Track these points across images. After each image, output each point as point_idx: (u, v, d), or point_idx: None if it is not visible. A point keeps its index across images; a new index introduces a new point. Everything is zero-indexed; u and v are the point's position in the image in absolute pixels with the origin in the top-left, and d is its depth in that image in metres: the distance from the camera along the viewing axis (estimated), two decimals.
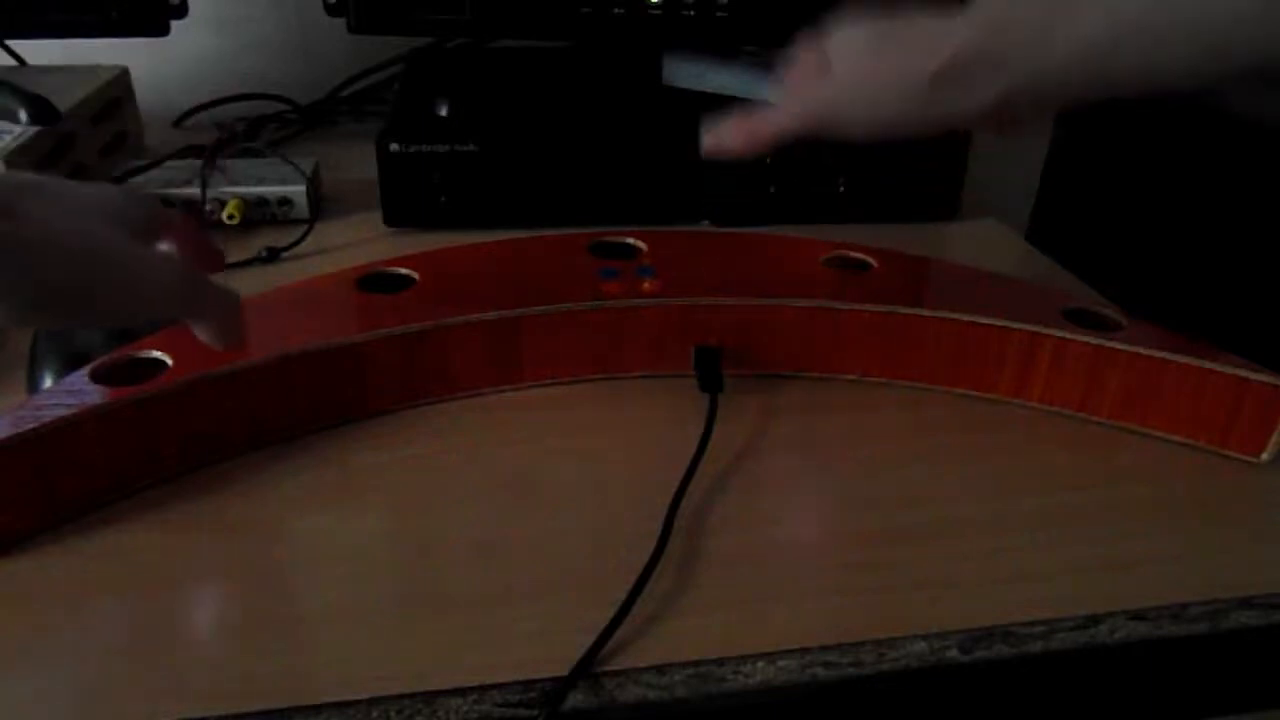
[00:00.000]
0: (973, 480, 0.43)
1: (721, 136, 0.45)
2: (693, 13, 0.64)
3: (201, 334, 0.36)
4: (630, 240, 0.54)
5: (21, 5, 0.63)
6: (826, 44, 0.43)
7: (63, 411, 0.37)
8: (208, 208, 0.62)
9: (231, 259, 0.59)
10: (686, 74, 0.74)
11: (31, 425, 0.36)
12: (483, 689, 0.31)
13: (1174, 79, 0.34)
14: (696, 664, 0.33)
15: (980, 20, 0.37)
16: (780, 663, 0.33)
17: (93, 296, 0.32)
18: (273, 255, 0.60)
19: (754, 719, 0.33)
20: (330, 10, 0.63)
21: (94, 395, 0.38)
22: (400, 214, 0.64)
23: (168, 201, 0.62)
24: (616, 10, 0.64)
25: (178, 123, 0.83)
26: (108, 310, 0.34)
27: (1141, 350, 0.44)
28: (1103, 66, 0.35)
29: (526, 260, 0.51)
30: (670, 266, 0.50)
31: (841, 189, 0.67)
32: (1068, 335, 0.45)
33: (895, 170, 0.68)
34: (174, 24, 0.66)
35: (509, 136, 0.63)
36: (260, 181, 0.64)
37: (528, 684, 0.32)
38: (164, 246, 0.38)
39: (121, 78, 0.74)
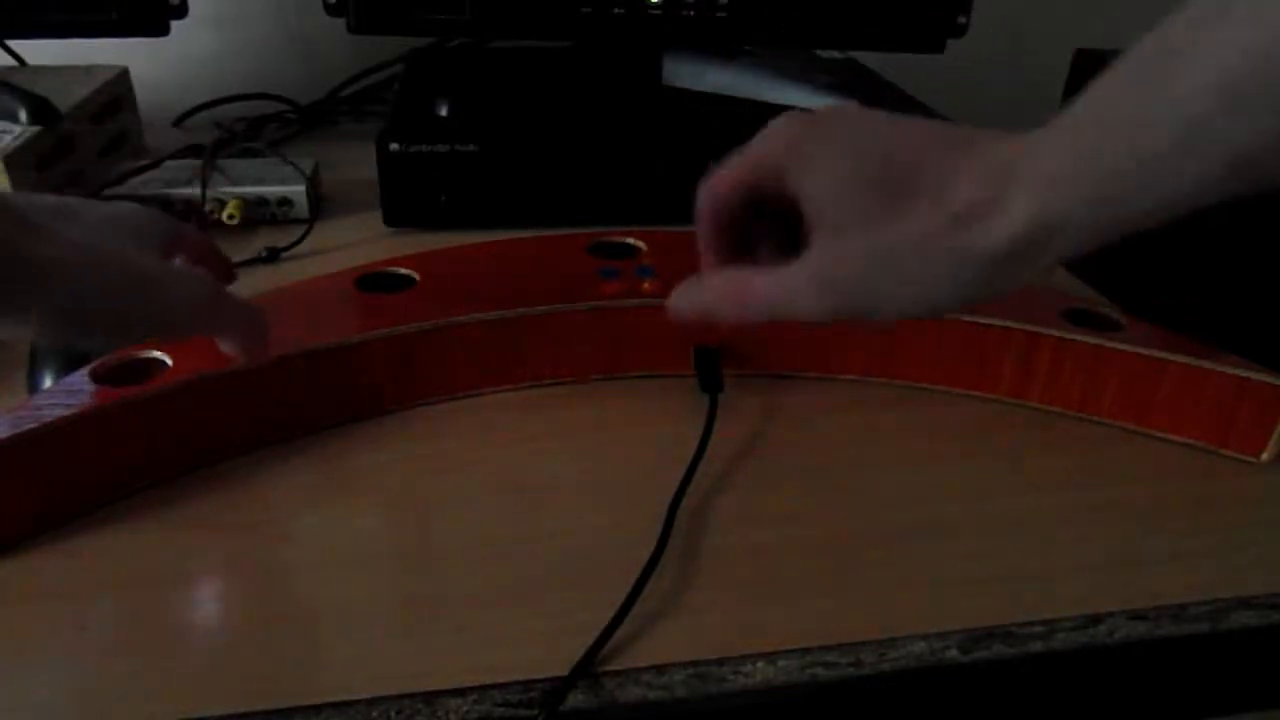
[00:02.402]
0: (972, 480, 0.43)
1: (704, 298, 0.36)
2: (693, 13, 0.64)
3: (228, 347, 0.37)
4: (630, 240, 0.54)
5: (21, 5, 0.63)
6: (792, 164, 0.33)
7: (63, 411, 0.37)
8: (208, 208, 0.62)
9: (232, 259, 0.59)
10: (686, 74, 0.74)
11: (31, 425, 0.36)
12: (483, 689, 0.31)
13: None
14: (696, 664, 0.33)
15: (1051, 166, 0.29)
16: (780, 663, 0.33)
17: (127, 315, 0.33)
18: (273, 255, 0.60)
19: (754, 719, 0.33)
20: (330, 10, 0.63)
21: (94, 395, 0.38)
22: (400, 214, 0.64)
23: (168, 201, 0.62)
24: (616, 10, 0.64)
25: (178, 123, 0.83)
26: (141, 328, 0.34)
27: (1141, 350, 0.44)
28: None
29: (526, 260, 0.51)
30: (670, 266, 0.50)
31: None
32: (1068, 335, 0.45)
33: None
34: (174, 24, 0.66)
35: (509, 136, 0.63)
36: (260, 181, 0.64)
37: (528, 684, 0.32)
38: (177, 261, 0.38)
39: (121, 78, 0.74)
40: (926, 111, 0.71)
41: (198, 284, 0.35)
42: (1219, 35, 0.25)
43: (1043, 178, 0.28)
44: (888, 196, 0.31)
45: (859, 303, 0.32)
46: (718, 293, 0.36)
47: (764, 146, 0.35)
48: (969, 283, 0.30)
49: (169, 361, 0.41)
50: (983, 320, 0.46)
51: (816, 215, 0.33)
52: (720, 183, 0.36)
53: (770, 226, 0.36)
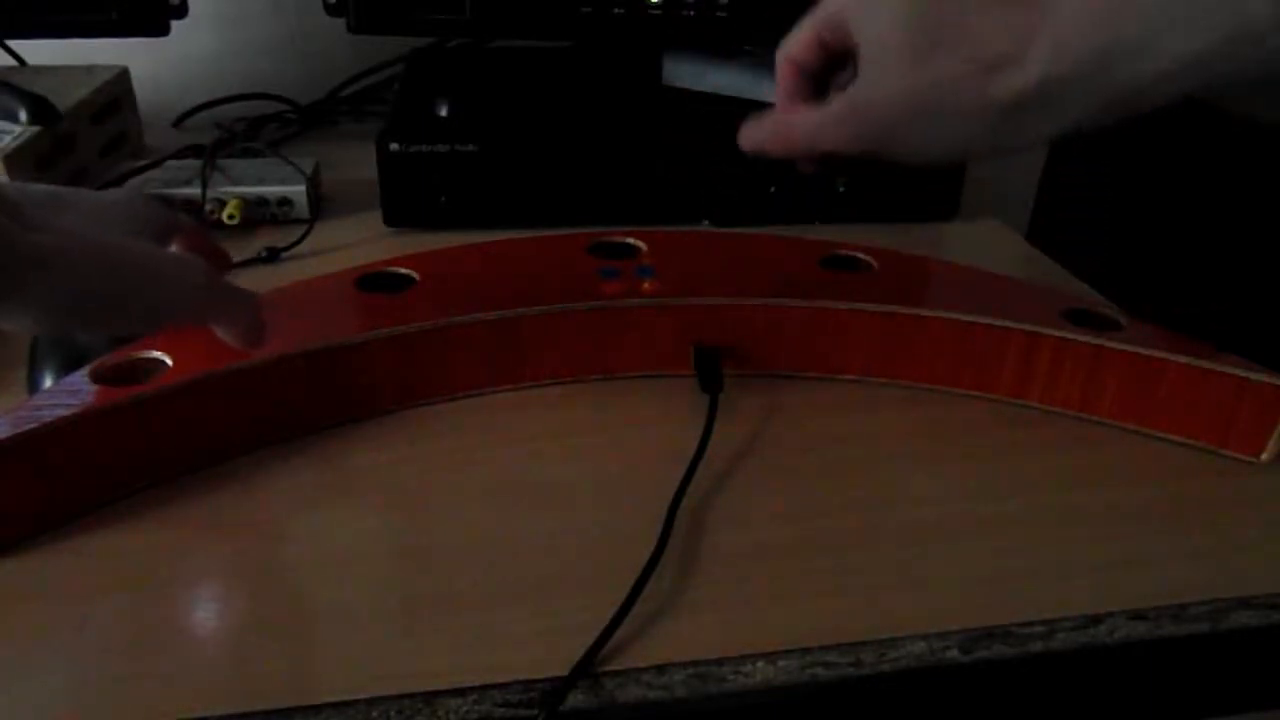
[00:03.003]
0: (972, 480, 0.43)
1: (758, 136, 0.41)
2: (693, 13, 0.64)
3: (226, 335, 0.37)
4: (630, 240, 0.54)
5: (21, 5, 0.63)
6: (846, 27, 0.37)
7: (63, 411, 0.37)
8: (208, 208, 0.62)
9: (232, 259, 0.59)
10: (686, 74, 0.74)
11: (31, 425, 0.36)
12: (483, 689, 0.31)
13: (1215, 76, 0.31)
14: (696, 664, 0.33)
15: (1054, 41, 0.32)
16: (780, 663, 0.33)
17: (125, 302, 0.33)
18: (273, 255, 0.60)
19: (754, 719, 0.33)
20: (330, 10, 0.63)
21: (94, 395, 0.38)
22: (400, 214, 0.64)
23: (168, 201, 0.62)
24: (616, 10, 0.64)
25: (178, 123, 0.83)
26: (140, 315, 0.34)
27: (1141, 350, 0.44)
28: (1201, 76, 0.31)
29: (526, 260, 0.51)
30: (670, 266, 0.50)
31: (841, 189, 0.67)
32: (1068, 335, 0.45)
33: (895, 170, 0.68)
34: (174, 24, 0.66)
35: (509, 136, 0.63)
36: (260, 181, 0.64)
37: (528, 684, 0.32)
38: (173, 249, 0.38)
39: (121, 78, 0.74)
40: None
41: (194, 270, 0.35)
42: None
43: (1055, 42, 0.32)
44: (930, 44, 0.34)
45: (881, 134, 0.36)
46: (768, 129, 0.40)
47: (830, 2, 0.38)
48: (979, 131, 0.34)
49: (169, 361, 0.41)
50: (983, 320, 0.46)
51: (866, 58, 0.36)
52: (793, 43, 0.39)
53: (844, 79, 0.39)
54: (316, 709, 0.31)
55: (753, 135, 0.41)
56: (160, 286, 0.33)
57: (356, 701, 0.31)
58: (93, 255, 0.32)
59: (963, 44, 0.34)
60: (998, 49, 0.33)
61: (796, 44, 0.39)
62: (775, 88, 0.40)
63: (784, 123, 0.40)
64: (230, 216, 0.62)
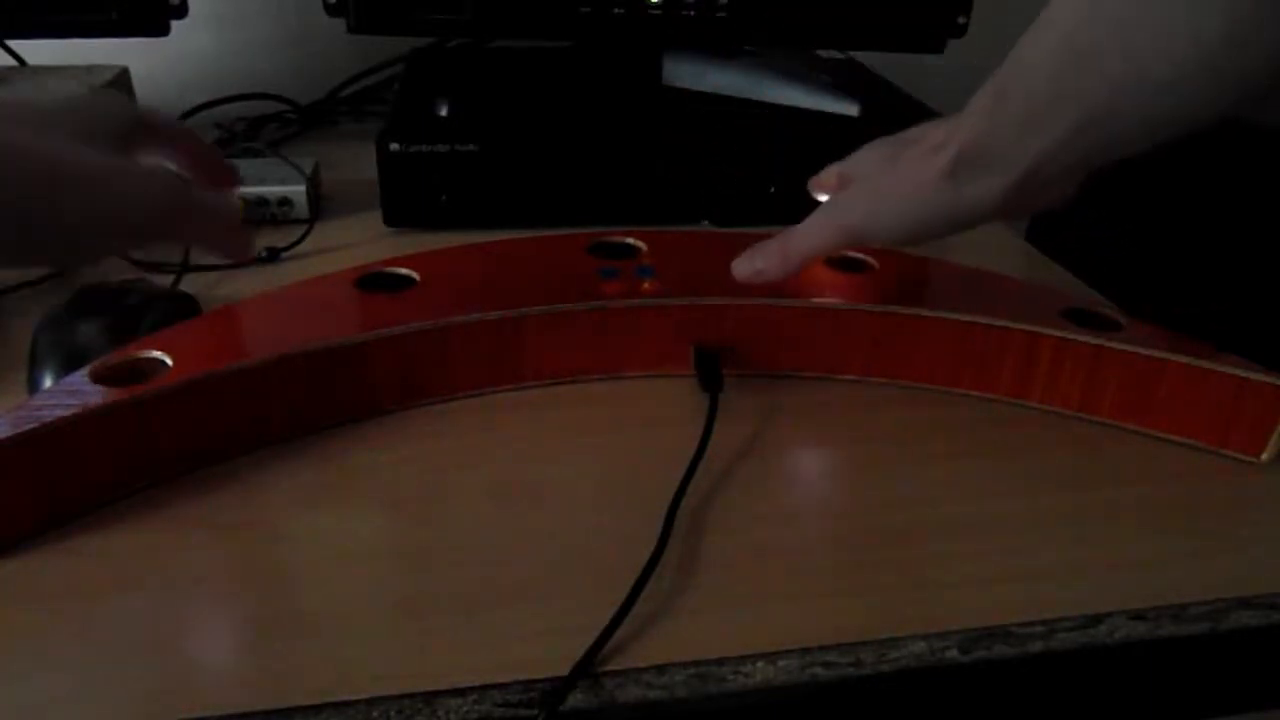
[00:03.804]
0: (972, 480, 0.43)
1: (755, 264, 0.45)
2: (693, 13, 0.64)
3: (203, 250, 0.34)
4: (630, 240, 0.54)
5: (21, 5, 0.63)
6: (847, 164, 0.46)
7: (63, 411, 0.37)
8: None
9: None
10: (686, 74, 0.74)
11: (31, 425, 0.36)
12: (483, 689, 0.31)
13: (1182, 124, 0.35)
14: (696, 664, 0.33)
15: (977, 113, 0.39)
16: (780, 663, 0.33)
17: (68, 219, 0.29)
18: (273, 255, 0.60)
19: (754, 719, 0.33)
20: (330, 10, 0.63)
21: (94, 395, 0.38)
22: (400, 214, 0.64)
23: None
24: (616, 10, 0.64)
25: None
26: (91, 233, 0.31)
27: (1141, 350, 0.44)
28: (1103, 133, 0.36)
29: (526, 260, 0.51)
30: (670, 266, 0.50)
31: None
32: (1068, 335, 0.45)
33: None
34: (174, 24, 0.66)
35: (509, 136, 0.63)
36: (260, 181, 0.64)
37: (528, 684, 0.32)
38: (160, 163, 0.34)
39: (121, 78, 0.74)
40: (927, 111, 0.71)
41: (152, 180, 0.32)
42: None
43: (971, 115, 0.39)
44: (893, 155, 0.43)
45: (854, 223, 0.43)
46: (766, 251, 0.45)
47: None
48: (932, 200, 0.40)
49: (169, 361, 0.41)
50: (982, 320, 0.46)
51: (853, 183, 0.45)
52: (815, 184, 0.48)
53: None
54: (316, 709, 0.31)
55: (749, 265, 0.46)
56: (107, 200, 0.30)
57: (356, 701, 0.31)
58: (15, 164, 0.28)
59: (918, 144, 0.41)
60: (935, 138, 0.40)
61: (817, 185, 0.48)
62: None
63: (780, 243, 0.45)
64: None
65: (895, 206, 0.41)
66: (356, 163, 0.70)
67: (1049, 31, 0.36)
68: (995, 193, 0.39)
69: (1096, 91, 0.35)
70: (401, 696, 0.31)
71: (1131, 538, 0.40)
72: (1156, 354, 0.44)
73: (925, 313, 0.47)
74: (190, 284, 0.55)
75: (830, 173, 0.47)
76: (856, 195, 0.43)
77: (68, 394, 0.38)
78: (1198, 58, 0.32)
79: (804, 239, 0.44)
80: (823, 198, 0.47)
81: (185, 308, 0.50)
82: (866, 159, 0.45)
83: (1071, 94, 0.35)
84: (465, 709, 0.31)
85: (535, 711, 0.31)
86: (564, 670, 0.32)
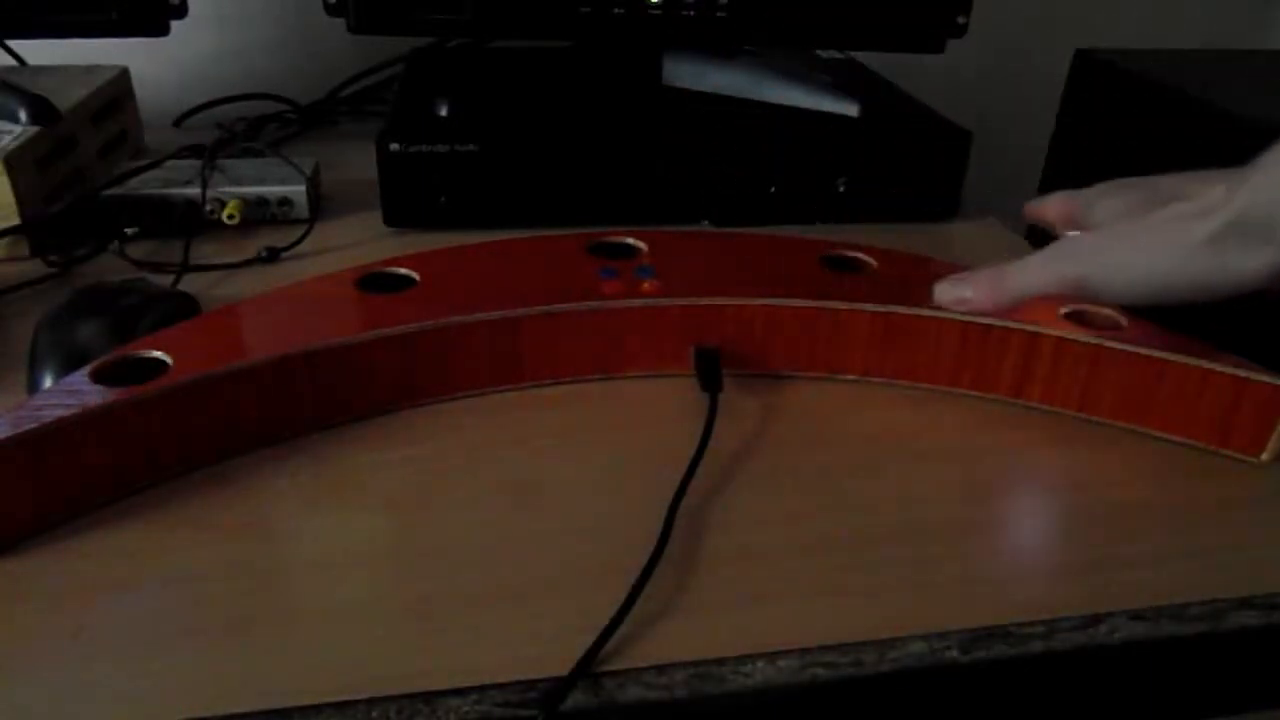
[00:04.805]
0: (972, 480, 0.43)
1: (963, 291, 0.44)
2: (693, 13, 0.64)
3: None
4: (630, 240, 0.54)
5: (21, 5, 0.63)
6: (1081, 199, 0.43)
7: (63, 411, 0.37)
8: (208, 208, 0.62)
9: (231, 259, 0.59)
10: (686, 74, 0.74)
11: (31, 425, 0.36)
12: (483, 689, 0.31)
13: None
14: (696, 664, 0.33)
15: (1266, 175, 0.36)
16: (780, 663, 0.33)
17: None
18: (273, 255, 0.60)
19: (754, 719, 0.33)
20: (330, 10, 0.63)
21: (94, 395, 0.38)
22: (400, 214, 0.64)
23: (168, 201, 0.62)
24: (616, 10, 0.64)
25: (178, 123, 0.84)
26: None
27: (1141, 350, 0.44)
28: None
29: (526, 260, 0.51)
30: (670, 266, 0.50)
31: (841, 189, 0.67)
32: (1067, 335, 0.45)
33: (895, 170, 0.68)
34: (174, 24, 0.66)
35: (509, 136, 0.63)
36: (260, 181, 0.64)
37: (528, 684, 0.32)
38: None
39: (121, 78, 0.74)
40: (927, 111, 0.72)
41: None
42: None
43: (1259, 175, 0.36)
44: (1147, 205, 0.40)
45: (1085, 274, 0.39)
46: (977, 281, 0.43)
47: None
48: (1180, 263, 0.37)
49: (169, 361, 0.41)
50: (982, 320, 0.46)
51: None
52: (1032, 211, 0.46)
53: None
54: (317, 709, 0.31)
55: (954, 292, 0.44)
56: None
57: (356, 701, 0.31)
58: None
59: (1177, 201, 0.38)
60: (1209, 200, 0.37)
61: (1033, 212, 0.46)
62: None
63: (994, 276, 0.43)
64: (230, 216, 0.62)
65: (1141, 269, 0.38)
66: (356, 163, 0.70)
67: None
68: (1270, 267, 0.36)
69: None
70: (401, 696, 0.31)
71: (1131, 538, 0.40)
72: (1156, 354, 0.44)
73: (925, 313, 0.47)
74: (190, 284, 0.55)
75: (1056, 200, 0.44)
76: (1095, 246, 0.39)
77: (68, 394, 0.38)
78: None
79: (1022, 278, 0.41)
80: (1039, 219, 0.44)
81: (185, 308, 0.50)
82: (1110, 205, 0.42)
83: None
84: (465, 709, 0.31)
85: (535, 711, 0.31)
86: (564, 670, 0.32)
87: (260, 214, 0.64)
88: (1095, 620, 0.35)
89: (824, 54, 0.87)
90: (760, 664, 0.33)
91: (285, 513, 0.39)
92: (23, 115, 0.60)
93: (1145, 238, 0.38)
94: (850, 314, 0.47)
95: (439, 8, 0.63)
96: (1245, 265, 0.36)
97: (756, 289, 0.48)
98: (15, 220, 0.57)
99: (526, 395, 0.47)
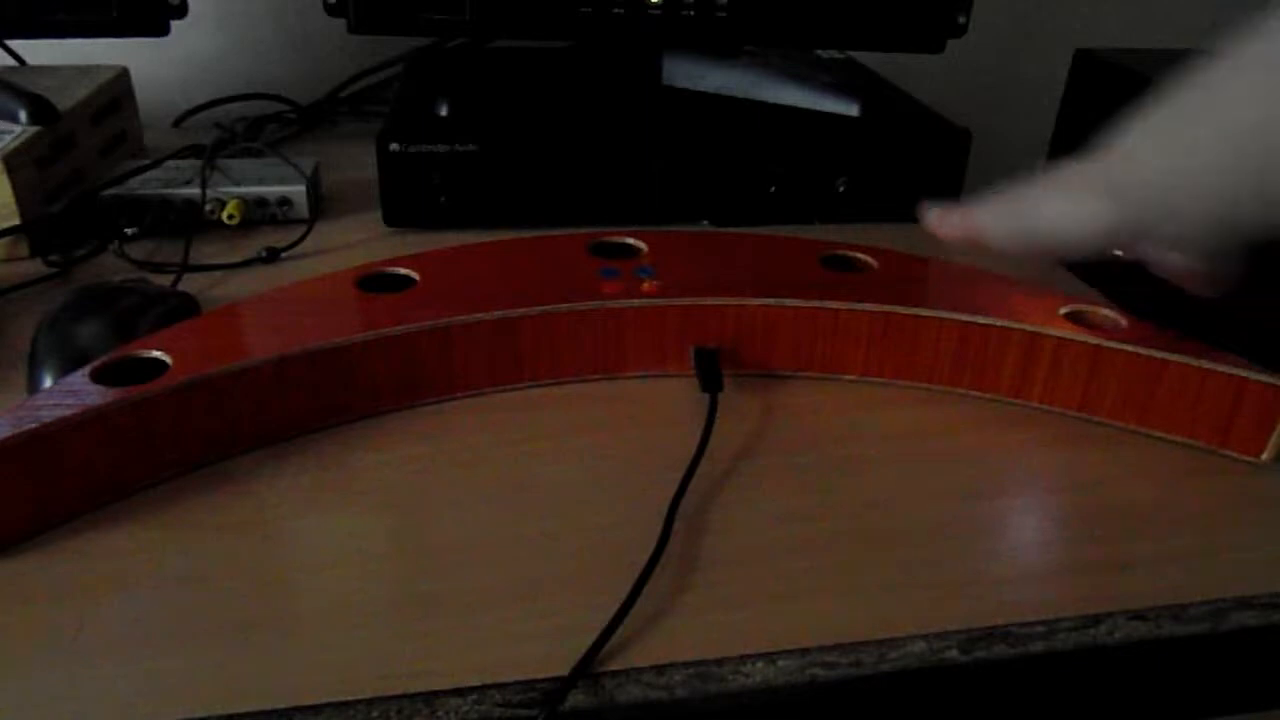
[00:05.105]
0: (972, 480, 0.43)
1: (940, 220, 0.44)
2: (693, 13, 0.64)
3: None
4: (630, 240, 0.54)
5: (21, 5, 0.63)
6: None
7: (63, 411, 0.37)
8: (208, 208, 0.62)
9: (231, 259, 0.59)
10: (686, 74, 0.74)
11: (31, 425, 0.36)
12: (483, 689, 0.31)
13: None
14: (696, 664, 0.33)
15: (1112, 145, 0.38)
16: (780, 663, 0.33)
17: None
18: (273, 255, 0.60)
19: (754, 719, 0.33)
20: (330, 10, 0.63)
21: (94, 395, 0.38)
22: (400, 214, 0.64)
23: (168, 201, 0.62)
24: (616, 10, 0.64)
25: (178, 123, 0.84)
26: None
27: (1141, 350, 0.44)
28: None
29: (526, 260, 0.51)
30: (670, 266, 0.50)
31: (841, 189, 0.67)
32: (1068, 335, 0.45)
33: (895, 170, 0.68)
34: (174, 24, 0.66)
35: (509, 136, 0.63)
36: (260, 181, 0.64)
37: (528, 684, 0.32)
38: None
39: (121, 78, 0.74)
40: (927, 111, 0.72)
41: None
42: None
43: (1113, 143, 0.38)
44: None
45: (1147, 212, 0.37)
46: (995, 207, 0.42)
47: None
48: (1067, 206, 0.38)
49: (169, 361, 0.41)
50: (982, 320, 0.46)
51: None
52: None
53: None
54: (316, 709, 0.31)
55: (959, 219, 0.43)
56: None
57: (356, 702, 0.31)
58: None
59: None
60: (1073, 167, 0.39)
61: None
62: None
63: (1019, 199, 0.41)
64: (230, 216, 0.62)
65: (1050, 197, 0.40)
66: (356, 163, 0.70)
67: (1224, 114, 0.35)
68: (1113, 219, 0.37)
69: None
70: (401, 696, 0.31)
71: (1131, 538, 0.40)
72: (1156, 354, 0.44)
73: (925, 313, 0.47)
74: (190, 284, 0.55)
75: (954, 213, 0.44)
76: (1148, 166, 0.39)
77: (68, 394, 0.38)
78: None
79: (1067, 212, 0.41)
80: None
81: (185, 308, 0.50)
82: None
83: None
84: (465, 709, 0.31)
85: (535, 711, 0.31)
86: (564, 670, 0.32)
87: (260, 214, 0.64)
88: (1095, 620, 0.35)
89: (824, 54, 0.87)
90: (760, 664, 0.33)
91: (285, 513, 0.39)
92: (22, 115, 0.60)
93: (1050, 185, 0.40)
94: (850, 314, 0.47)
95: (439, 8, 0.63)
96: (1099, 220, 0.38)
97: (756, 289, 0.48)
98: (15, 220, 0.57)
99: (526, 395, 0.47)
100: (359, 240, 0.63)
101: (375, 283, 0.48)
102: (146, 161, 0.65)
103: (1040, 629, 0.35)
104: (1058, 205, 0.40)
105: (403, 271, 0.49)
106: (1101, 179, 0.38)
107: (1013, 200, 0.41)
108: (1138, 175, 0.37)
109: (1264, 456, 0.44)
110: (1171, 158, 0.36)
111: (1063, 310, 0.47)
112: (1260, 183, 0.34)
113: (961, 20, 0.67)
